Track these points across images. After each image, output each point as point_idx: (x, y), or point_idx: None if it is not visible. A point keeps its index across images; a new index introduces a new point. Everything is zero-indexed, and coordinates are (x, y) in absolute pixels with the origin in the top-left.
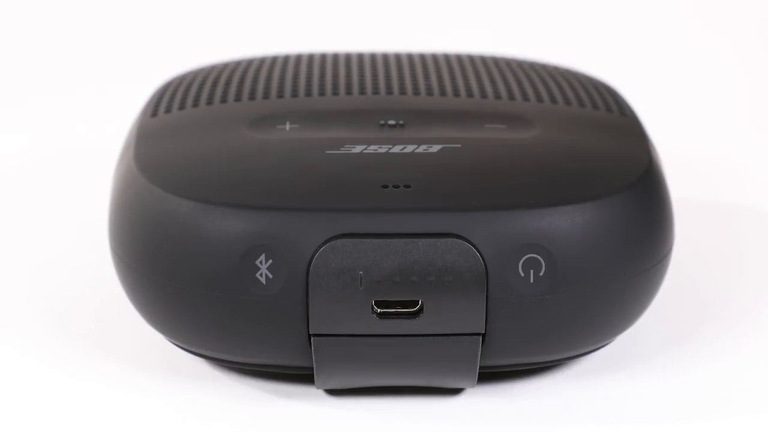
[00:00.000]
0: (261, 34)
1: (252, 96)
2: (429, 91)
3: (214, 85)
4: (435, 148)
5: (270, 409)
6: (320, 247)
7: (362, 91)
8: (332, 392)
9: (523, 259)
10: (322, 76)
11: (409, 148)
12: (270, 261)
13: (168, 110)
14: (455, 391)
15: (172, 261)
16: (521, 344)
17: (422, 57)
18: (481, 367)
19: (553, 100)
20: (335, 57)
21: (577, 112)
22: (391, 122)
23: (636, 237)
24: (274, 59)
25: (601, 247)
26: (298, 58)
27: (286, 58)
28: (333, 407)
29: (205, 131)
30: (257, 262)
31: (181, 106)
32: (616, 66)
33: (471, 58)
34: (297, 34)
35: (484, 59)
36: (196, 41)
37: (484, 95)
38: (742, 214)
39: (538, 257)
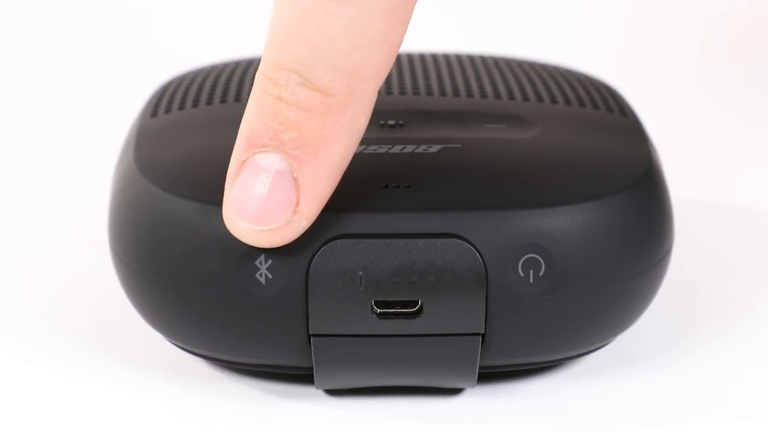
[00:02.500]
0: (261, 34)
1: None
2: (429, 91)
3: (214, 85)
4: (435, 148)
5: (270, 409)
6: (320, 247)
7: None
8: (332, 392)
9: (523, 259)
10: None
11: (409, 148)
12: (270, 261)
13: (168, 110)
14: (455, 391)
15: (172, 261)
16: (521, 344)
17: (422, 57)
18: (481, 367)
19: (553, 100)
20: None
21: (577, 112)
22: (391, 122)
23: (636, 237)
24: None
25: (601, 247)
26: None
27: None
28: (333, 407)
29: (205, 131)
30: (257, 262)
31: (181, 107)
32: (616, 66)
33: (471, 58)
34: None
35: (484, 59)
36: (196, 41)
37: (484, 95)
38: (741, 215)
39: (538, 257)
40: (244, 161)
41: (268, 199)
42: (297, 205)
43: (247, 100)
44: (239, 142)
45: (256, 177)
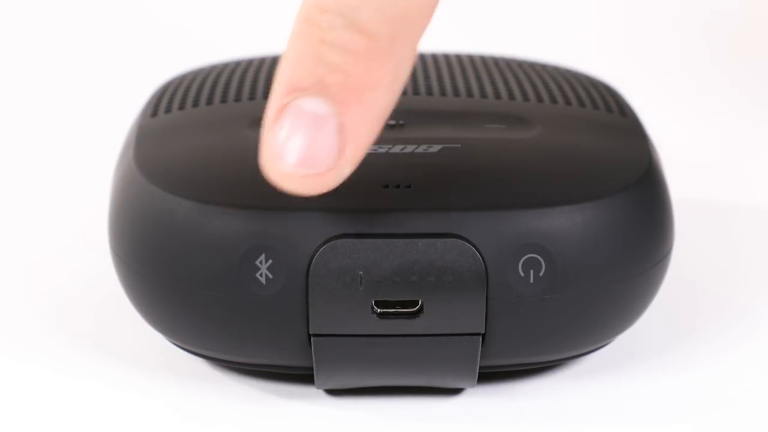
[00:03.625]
0: (261, 34)
1: (252, 96)
2: (429, 91)
3: (214, 85)
4: (435, 148)
5: (270, 409)
6: (320, 247)
7: None
8: (332, 392)
9: (523, 259)
10: None
11: (409, 148)
12: (270, 261)
13: (168, 110)
14: (455, 391)
15: (172, 261)
16: (521, 344)
17: (422, 57)
18: (481, 367)
19: (553, 100)
20: None
21: (577, 112)
22: (391, 122)
23: (636, 237)
24: (274, 59)
25: (601, 247)
26: None
27: None
28: (333, 407)
29: (205, 131)
30: (257, 262)
31: (181, 106)
32: (615, 66)
33: (471, 58)
34: None
35: (484, 59)
36: (196, 41)
37: (484, 95)
38: (741, 214)
39: (538, 257)
40: (284, 105)
41: (312, 142)
42: (343, 149)
43: (248, 99)
44: (278, 87)
45: (299, 121)
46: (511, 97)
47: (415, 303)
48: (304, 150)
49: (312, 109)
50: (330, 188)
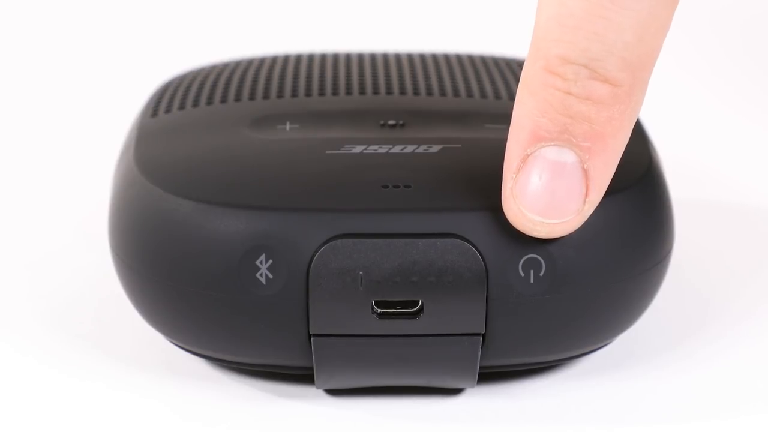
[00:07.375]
0: (261, 34)
1: (252, 96)
2: (429, 91)
3: (214, 85)
4: (435, 148)
5: (270, 409)
6: (320, 247)
7: (362, 91)
8: (332, 392)
9: (523, 259)
10: (322, 76)
11: (409, 148)
12: (270, 261)
13: (168, 110)
14: (455, 391)
15: (172, 261)
16: (521, 344)
17: (422, 57)
18: (481, 367)
19: None
20: (335, 57)
21: None
22: (391, 122)
23: (636, 237)
24: (274, 59)
25: (601, 248)
26: (298, 58)
27: (286, 58)
28: (333, 407)
29: (205, 131)
30: (257, 262)
31: (181, 106)
32: None
33: (471, 58)
34: (297, 34)
35: (484, 59)
36: (196, 41)
37: (484, 95)
38: (742, 215)
39: (538, 257)
40: (528, 155)
41: (559, 191)
42: (587, 195)
43: (248, 99)
44: (520, 135)
45: (547, 171)
46: (511, 97)
47: (416, 303)
48: (552, 199)
49: (557, 158)
50: (573, 230)
